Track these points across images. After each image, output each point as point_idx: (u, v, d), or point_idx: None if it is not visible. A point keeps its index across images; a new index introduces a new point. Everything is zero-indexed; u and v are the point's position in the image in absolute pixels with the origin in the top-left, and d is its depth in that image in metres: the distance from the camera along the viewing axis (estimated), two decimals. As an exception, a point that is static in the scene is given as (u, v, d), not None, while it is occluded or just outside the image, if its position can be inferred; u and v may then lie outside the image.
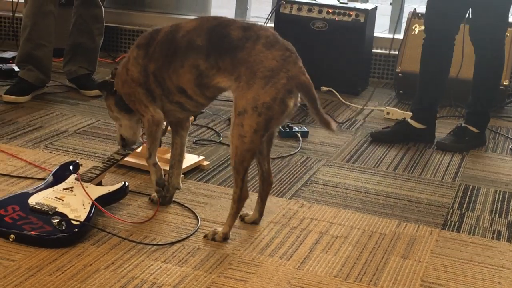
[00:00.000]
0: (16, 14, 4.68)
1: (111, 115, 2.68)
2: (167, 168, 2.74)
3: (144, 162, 2.72)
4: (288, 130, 3.56)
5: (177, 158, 2.71)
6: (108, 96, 2.62)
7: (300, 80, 2.33)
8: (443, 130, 3.80)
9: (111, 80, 2.60)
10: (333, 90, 4.39)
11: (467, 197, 3.00)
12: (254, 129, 2.32)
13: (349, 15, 4.38)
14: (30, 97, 3.88)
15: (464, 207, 2.89)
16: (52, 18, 3.90)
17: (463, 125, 3.64)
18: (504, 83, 4.22)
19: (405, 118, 3.74)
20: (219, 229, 2.47)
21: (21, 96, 3.84)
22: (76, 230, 2.35)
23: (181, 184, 2.75)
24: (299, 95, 2.37)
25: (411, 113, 3.70)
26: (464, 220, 2.77)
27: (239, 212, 2.47)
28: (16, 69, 4.11)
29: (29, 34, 3.86)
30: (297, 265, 2.33)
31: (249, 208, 2.67)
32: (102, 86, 2.65)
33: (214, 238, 2.44)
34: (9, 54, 4.57)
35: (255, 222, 2.59)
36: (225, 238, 2.45)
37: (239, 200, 2.44)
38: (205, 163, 3.10)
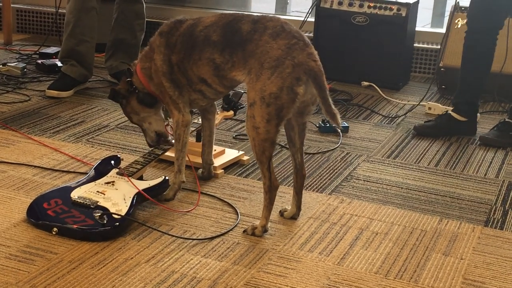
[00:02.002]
0: (60, 10, 4.74)
1: (137, 119, 2.76)
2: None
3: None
4: (328, 125, 3.54)
5: (207, 139, 2.85)
6: (128, 100, 2.71)
7: (309, 66, 2.32)
8: (486, 125, 3.74)
9: (128, 79, 2.68)
10: (374, 85, 4.35)
11: (511, 194, 2.95)
12: (266, 119, 2.34)
13: (391, 9, 4.33)
14: (72, 92, 3.94)
15: (508, 204, 2.84)
16: (94, 14, 3.95)
17: (506, 120, 3.57)
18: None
19: (447, 110, 3.70)
20: (257, 223, 2.47)
21: (64, 91, 3.90)
22: (117, 224, 2.38)
23: (213, 160, 2.88)
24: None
25: (452, 107, 3.66)
26: (508, 217, 2.72)
27: (272, 203, 2.47)
28: (59, 64, 4.17)
29: (72, 30, 3.92)
30: (337, 261, 2.31)
31: (289, 203, 2.67)
32: (116, 95, 2.73)
33: (254, 233, 2.45)
34: (52, 50, 4.63)
35: (294, 217, 2.59)
36: (264, 231, 2.45)
37: (270, 190, 2.44)
38: (245, 158, 3.10)
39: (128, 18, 4.06)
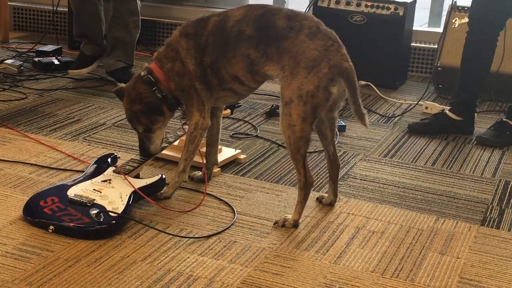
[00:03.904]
0: (56, 8, 4.73)
1: (158, 127, 2.61)
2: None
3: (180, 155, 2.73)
4: (325, 124, 3.54)
5: (215, 138, 2.81)
6: (162, 105, 2.57)
7: (343, 67, 2.40)
8: (483, 125, 3.74)
9: (154, 88, 2.56)
10: (371, 84, 4.35)
11: (507, 193, 2.95)
12: (302, 118, 2.39)
13: (388, 8, 4.33)
14: (93, 67, 4.21)
15: (504, 203, 2.85)
16: (95, 1, 4.10)
17: (503, 119, 3.58)
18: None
19: (443, 109, 3.70)
20: (289, 216, 2.51)
21: (83, 68, 4.17)
22: (114, 222, 2.38)
23: (218, 160, 2.86)
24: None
25: (449, 106, 3.67)
26: (504, 216, 2.73)
27: (307, 199, 2.52)
28: (56, 62, 4.29)
29: (76, 18, 4.17)
30: (333, 260, 2.32)
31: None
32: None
33: (284, 225, 2.49)
34: (49, 48, 4.62)
35: (331, 204, 2.68)
36: (295, 225, 2.50)
37: (305, 186, 2.49)
38: (242, 156, 3.10)
39: (122, 15, 4.07)
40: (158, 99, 2.58)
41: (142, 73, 2.61)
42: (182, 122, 2.76)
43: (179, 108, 2.68)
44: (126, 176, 2.56)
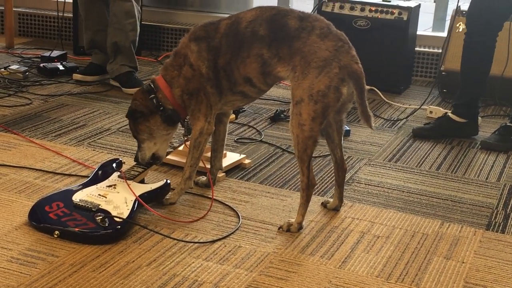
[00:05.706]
0: (61, 14, 4.75)
1: (146, 137, 2.62)
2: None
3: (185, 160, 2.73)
4: (329, 128, 3.54)
5: (220, 143, 2.82)
6: (147, 118, 2.59)
7: (352, 69, 2.42)
8: (487, 129, 3.74)
9: (152, 96, 2.58)
10: (375, 89, 4.35)
11: (512, 198, 2.95)
12: (312, 117, 2.41)
13: (392, 13, 4.34)
14: (98, 78, 4.25)
15: (509, 208, 2.84)
16: (101, 4, 4.16)
17: (508, 124, 3.58)
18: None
19: (446, 112, 3.70)
20: (293, 220, 2.52)
21: (89, 75, 4.24)
22: (119, 227, 2.38)
23: (223, 166, 2.87)
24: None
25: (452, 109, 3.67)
26: (509, 221, 2.72)
27: (309, 200, 2.53)
28: (61, 67, 4.34)
29: (86, 23, 4.26)
30: (338, 264, 2.31)
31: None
32: (133, 113, 2.59)
33: (289, 229, 2.50)
34: (54, 53, 4.63)
35: (336, 209, 2.68)
36: (299, 228, 2.50)
37: (308, 188, 2.50)
38: (247, 161, 3.11)
39: (119, 19, 4.08)
40: (151, 108, 2.58)
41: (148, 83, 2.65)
42: (185, 138, 2.75)
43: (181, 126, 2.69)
44: (128, 182, 2.56)
